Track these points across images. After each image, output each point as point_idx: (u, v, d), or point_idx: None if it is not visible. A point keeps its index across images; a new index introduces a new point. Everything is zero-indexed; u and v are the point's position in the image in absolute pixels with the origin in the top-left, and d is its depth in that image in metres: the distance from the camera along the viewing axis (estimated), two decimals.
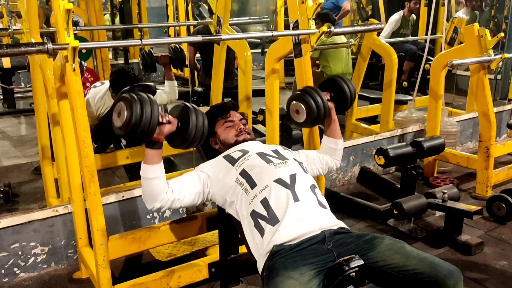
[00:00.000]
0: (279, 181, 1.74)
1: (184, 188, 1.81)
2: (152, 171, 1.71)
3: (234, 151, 1.92)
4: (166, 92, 3.56)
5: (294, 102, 2.08)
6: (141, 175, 1.73)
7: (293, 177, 1.77)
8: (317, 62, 4.63)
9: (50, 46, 1.77)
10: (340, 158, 2.19)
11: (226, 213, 1.87)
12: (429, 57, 4.13)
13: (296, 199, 1.70)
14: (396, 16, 5.93)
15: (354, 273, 1.48)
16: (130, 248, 2.14)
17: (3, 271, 2.39)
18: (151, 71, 3.59)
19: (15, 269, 2.42)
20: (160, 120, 1.65)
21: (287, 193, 1.71)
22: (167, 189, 1.76)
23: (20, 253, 2.41)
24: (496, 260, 2.57)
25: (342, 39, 4.69)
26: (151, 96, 1.65)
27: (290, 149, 2.05)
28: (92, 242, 2.00)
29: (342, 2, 6.23)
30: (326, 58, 4.65)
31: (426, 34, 4.13)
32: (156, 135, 1.66)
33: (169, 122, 1.69)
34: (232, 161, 1.86)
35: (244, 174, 1.79)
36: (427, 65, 3.73)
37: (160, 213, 2.79)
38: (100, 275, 1.97)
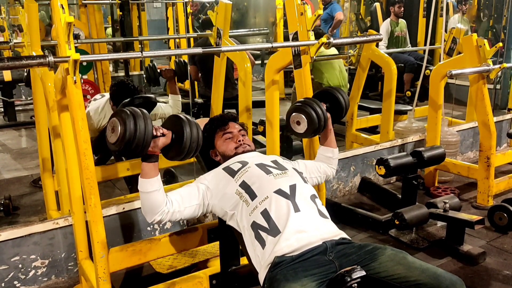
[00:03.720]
0: (279, 191, 1.74)
1: (184, 200, 1.81)
2: (150, 184, 1.70)
3: (233, 163, 1.92)
4: (170, 106, 3.57)
5: (294, 113, 2.09)
6: (139, 190, 1.73)
7: (293, 187, 1.77)
8: (312, 76, 4.66)
9: (51, 59, 1.78)
10: (336, 166, 2.21)
11: (227, 225, 1.86)
12: (428, 65, 4.16)
13: (296, 209, 1.70)
14: (384, 25, 6.10)
15: (356, 284, 1.47)
16: (131, 261, 2.13)
17: (3, 284, 2.37)
18: (154, 85, 3.60)
19: (15, 282, 2.40)
20: (154, 133, 1.65)
21: (287, 204, 1.71)
22: (167, 200, 1.76)
23: (20, 266, 2.40)
24: (498, 270, 2.56)
25: (333, 50, 4.74)
26: (144, 110, 1.65)
27: (289, 160, 2.06)
28: (92, 254, 1.99)
29: (335, 12, 6.31)
30: (318, 69, 4.68)
31: (425, 45, 4.16)
32: (151, 148, 1.65)
33: (163, 134, 1.68)
34: (231, 173, 1.86)
35: (244, 185, 1.79)
36: (427, 71, 3.74)
37: (160, 225, 2.78)
38: None
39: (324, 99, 2.16)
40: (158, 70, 3.72)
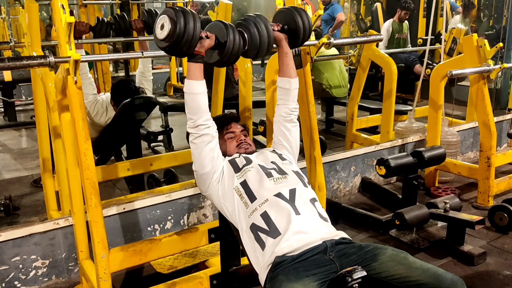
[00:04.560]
0: (279, 195, 1.74)
1: (216, 146, 1.82)
2: (197, 86, 1.75)
3: (238, 157, 1.92)
4: (141, 68, 3.45)
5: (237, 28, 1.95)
6: (185, 92, 1.77)
7: (292, 191, 1.76)
8: (312, 76, 4.66)
9: (51, 59, 1.78)
10: (295, 99, 2.02)
11: (227, 225, 1.86)
12: (429, 62, 4.16)
13: (297, 212, 1.70)
14: (386, 24, 6.15)
15: (357, 285, 1.47)
16: (131, 261, 2.13)
17: (3, 284, 2.37)
18: (124, 36, 3.38)
19: (16, 282, 2.41)
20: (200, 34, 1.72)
21: (287, 207, 1.70)
22: (212, 121, 1.80)
23: (20, 266, 2.40)
24: (499, 270, 2.56)
25: (333, 50, 4.74)
26: (193, 11, 1.71)
27: (284, 154, 1.99)
28: (93, 254, 1.99)
29: (337, 13, 6.33)
30: (318, 70, 4.69)
31: (425, 45, 4.17)
32: (197, 48, 1.73)
33: (207, 37, 1.76)
34: (236, 168, 1.85)
35: (244, 185, 1.79)
36: (427, 70, 3.74)
37: (161, 225, 2.78)
38: None
39: (280, 20, 2.04)
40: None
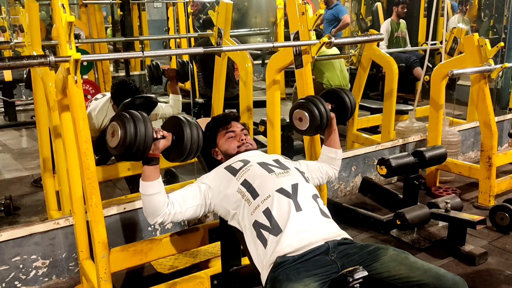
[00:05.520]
0: (281, 190, 1.74)
1: (186, 201, 1.81)
2: (151, 187, 1.71)
3: (235, 161, 1.92)
4: (171, 106, 3.56)
5: (297, 110, 2.11)
6: (141, 193, 1.73)
7: (295, 186, 1.77)
8: (313, 76, 4.66)
9: (52, 58, 1.77)
10: (339, 167, 2.21)
11: (228, 225, 1.86)
12: (429, 64, 4.16)
13: (298, 208, 1.70)
14: (385, 25, 6.15)
15: (358, 285, 1.47)
16: (132, 261, 2.13)
17: (4, 284, 2.37)
18: (157, 84, 3.58)
19: (16, 282, 2.40)
20: (155, 136, 1.65)
21: (289, 203, 1.70)
22: (168, 202, 1.76)
23: (21, 266, 2.40)
24: (500, 270, 2.55)
25: (334, 50, 4.73)
26: (143, 113, 1.64)
27: (290, 159, 2.05)
28: (93, 254, 1.99)
29: (342, 15, 6.31)
30: (319, 69, 4.68)
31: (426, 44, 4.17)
32: (151, 151, 1.66)
33: (163, 137, 1.69)
34: (233, 171, 1.86)
35: (245, 184, 1.79)
36: (426, 77, 3.74)
37: (161, 226, 2.78)
38: None
39: (329, 99, 2.17)
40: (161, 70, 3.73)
